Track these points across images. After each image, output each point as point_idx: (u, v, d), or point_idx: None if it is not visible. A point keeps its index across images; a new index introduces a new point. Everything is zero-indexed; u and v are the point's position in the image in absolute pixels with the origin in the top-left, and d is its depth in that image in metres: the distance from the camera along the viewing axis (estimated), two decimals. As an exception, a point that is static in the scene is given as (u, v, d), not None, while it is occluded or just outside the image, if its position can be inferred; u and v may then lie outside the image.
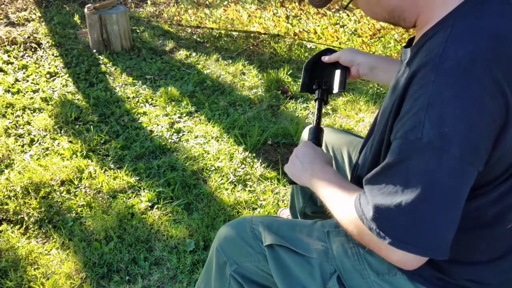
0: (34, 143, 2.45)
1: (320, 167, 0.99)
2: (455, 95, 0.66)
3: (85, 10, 3.46)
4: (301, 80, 1.35)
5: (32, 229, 1.89)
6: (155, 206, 2.00)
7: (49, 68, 3.28)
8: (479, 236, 0.82)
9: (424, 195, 0.68)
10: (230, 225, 1.13)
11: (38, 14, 4.30)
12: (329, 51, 1.36)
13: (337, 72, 1.31)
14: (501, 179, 0.76)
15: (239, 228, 1.10)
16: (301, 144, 1.09)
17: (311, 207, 1.49)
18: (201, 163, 2.29)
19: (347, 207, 0.82)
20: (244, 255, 1.06)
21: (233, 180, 2.18)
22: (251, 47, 3.71)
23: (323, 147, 1.40)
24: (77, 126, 2.58)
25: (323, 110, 1.30)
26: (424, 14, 0.78)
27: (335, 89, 1.28)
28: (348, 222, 0.82)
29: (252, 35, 3.91)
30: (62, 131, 2.55)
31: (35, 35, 3.79)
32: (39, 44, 3.66)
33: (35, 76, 3.17)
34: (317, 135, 1.18)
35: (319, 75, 1.34)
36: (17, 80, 3.11)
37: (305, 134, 1.45)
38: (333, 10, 3.91)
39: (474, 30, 0.70)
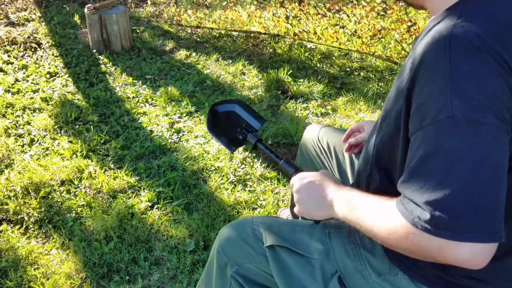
0: (34, 143, 2.45)
1: (341, 194, 0.89)
2: (474, 69, 0.66)
3: (85, 10, 3.46)
4: (223, 145, 1.29)
5: (32, 229, 1.89)
6: (155, 206, 2.00)
7: (49, 68, 3.28)
8: None
9: (475, 173, 0.63)
10: (231, 226, 1.13)
11: (38, 14, 4.30)
12: (217, 105, 1.34)
13: (241, 112, 1.31)
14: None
15: (240, 229, 1.10)
16: (297, 182, 0.99)
17: None
18: (201, 163, 2.29)
19: (388, 217, 0.74)
20: (245, 256, 1.06)
21: (233, 180, 2.18)
22: (251, 47, 3.71)
23: (325, 146, 1.40)
24: (77, 126, 2.58)
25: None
26: (433, 0, 0.80)
27: (257, 124, 1.28)
28: (394, 230, 0.72)
29: (252, 35, 3.91)
30: (62, 131, 2.54)
31: (35, 35, 3.79)
32: (39, 44, 3.65)
33: (35, 76, 3.17)
34: (292, 165, 1.12)
35: (228, 127, 1.32)
36: (17, 80, 3.10)
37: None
38: (333, 11, 3.91)
39: (482, 16, 0.71)
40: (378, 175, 0.92)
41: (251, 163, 2.30)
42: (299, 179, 0.99)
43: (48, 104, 2.80)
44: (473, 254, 0.65)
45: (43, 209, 1.97)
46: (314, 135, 1.45)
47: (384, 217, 0.75)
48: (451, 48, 0.68)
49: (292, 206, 1.68)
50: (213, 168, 2.26)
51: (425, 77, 0.70)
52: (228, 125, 1.32)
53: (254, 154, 2.36)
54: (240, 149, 2.39)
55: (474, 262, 0.66)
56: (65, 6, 4.48)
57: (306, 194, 0.96)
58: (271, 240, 1.01)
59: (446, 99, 0.66)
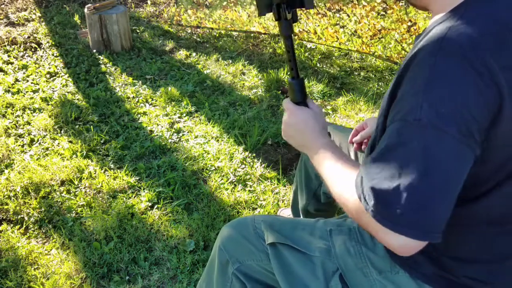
0: (34, 143, 2.45)
1: (320, 143, 0.93)
2: (453, 78, 0.67)
3: (85, 10, 3.46)
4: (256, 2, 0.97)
5: (32, 229, 1.89)
6: (155, 206, 2.00)
7: (49, 68, 3.28)
8: (484, 235, 0.82)
9: (425, 176, 0.67)
10: (233, 224, 1.13)
11: (38, 14, 4.30)
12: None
13: None
14: (500, 176, 0.75)
15: (241, 227, 1.10)
16: (290, 112, 0.99)
17: (314, 204, 1.49)
18: (201, 163, 2.29)
19: (347, 184, 0.79)
20: (247, 254, 1.06)
21: (233, 180, 2.18)
22: (251, 47, 3.71)
23: None
24: (77, 126, 2.58)
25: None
26: (437, 2, 0.80)
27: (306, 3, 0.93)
28: (347, 200, 0.79)
29: (252, 35, 3.91)
30: (62, 131, 2.54)
31: (35, 35, 3.79)
32: (39, 44, 3.66)
33: (35, 76, 3.17)
34: (302, 92, 0.99)
35: None
36: (17, 80, 3.11)
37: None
38: (333, 11, 3.91)
39: (481, 18, 0.71)
40: None
41: (251, 163, 2.30)
42: (292, 111, 0.99)
43: (48, 104, 2.80)
44: (403, 245, 0.71)
45: (43, 209, 1.97)
46: None
47: (346, 184, 0.80)
48: (438, 53, 0.69)
49: (293, 205, 1.68)
50: (213, 168, 2.26)
51: (410, 75, 0.72)
52: None
53: (254, 154, 2.36)
54: (240, 149, 2.39)
55: (403, 251, 0.73)
56: (65, 6, 4.48)
57: (294, 128, 0.99)
58: (273, 237, 1.02)
59: (418, 101, 0.68)
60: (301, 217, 1.59)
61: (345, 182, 0.81)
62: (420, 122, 0.67)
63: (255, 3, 1.02)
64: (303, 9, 0.94)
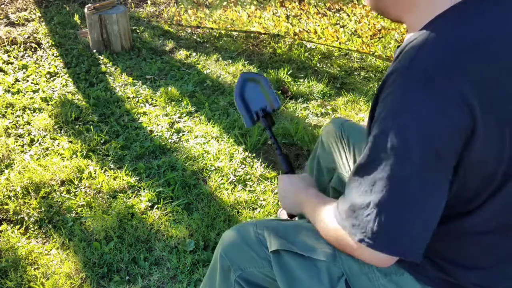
0: (34, 143, 2.45)
1: (304, 196, 1.06)
2: (420, 103, 0.68)
3: (85, 10, 3.46)
4: (244, 117, 1.37)
5: (32, 229, 1.89)
6: (155, 206, 2.00)
7: (49, 68, 3.28)
8: (483, 243, 0.82)
9: (390, 198, 0.72)
10: (234, 229, 1.12)
11: (38, 14, 4.30)
12: (246, 73, 1.39)
13: (265, 84, 1.34)
14: (487, 193, 0.76)
15: (243, 233, 1.09)
16: (281, 182, 1.18)
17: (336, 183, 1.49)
18: (201, 163, 2.29)
19: (327, 215, 0.88)
20: (249, 261, 1.05)
21: (233, 180, 2.18)
22: (251, 47, 3.71)
23: (346, 141, 1.40)
24: (77, 126, 2.58)
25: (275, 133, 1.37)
26: (410, 17, 0.79)
27: (275, 104, 1.32)
28: (328, 229, 0.88)
29: (252, 35, 3.91)
30: (62, 131, 2.55)
31: (35, 35, 3.79)
32: (39, 44, 3.66)
33: (35, 76, 3.17)
34: (287, 163, 1.25)
35: (249, 100, 1.36)
36: (17, 80, 3.11)
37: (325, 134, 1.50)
38: (333, 10, 3.91)
39: (450, 39, 0.70)
40: None
41: (251, 163, 2.30)
42: (283, 180, 1.17)
43: (48, 104, 2.80)
44: (375, 257, 0.77)
45: (43, 209, 1.97)
46: (338, 128, 1.44)
47: (325, 216, 0.89)
48: (405, 78, 0.70)
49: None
50: (213, 168, 2.26)
51: (383, 96, 0.73)
52: (250, 98, 1.37)
53: (254, 154, 2.36)
54: (240, 149, 2.39)
55: (377, 263, 0.80)
56: (65, 6, 4.48)
57: (284, 194, 1.15)
58: (276, 244, 1.00)
59: (387, 126, 0.71)
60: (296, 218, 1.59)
61: (325, 214, 0.89)
62: (386, 147, 0.71)
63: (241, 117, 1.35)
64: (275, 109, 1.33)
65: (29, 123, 2.61)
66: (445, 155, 0.69)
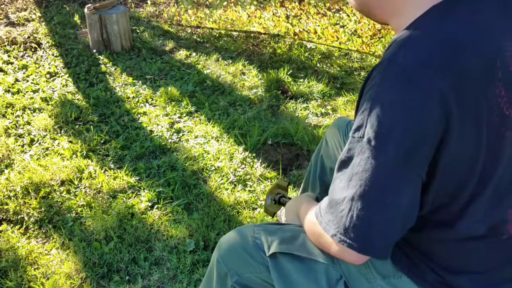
0: (34, 143, 2.45)
1: (301, 205, 1.10)
2: (396, 100, 0.69)
3: (85, 10, 3.46)
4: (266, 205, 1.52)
5: (32, 229, 1.89)
6: (155, 206, 2.00)
7: (49, 68, 3.28)
8: (474, 248, 0.82)
9: (362, 193, 0.72)
10: (231, 234, 1.11)
11: (38, 14, 4.30)
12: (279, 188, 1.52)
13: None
14: (467, 194, 0.76)
15: (240, 238, 1.08)
16: (285, 213, 1.28)
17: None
18: (201, 163, 2.29)
19: (311, 214, 0.90)
20: (245, 266, 1.04)
21: (233, 180, 2.18)
22: (251, 47, 3.71)
23: None
24: (77, 126, 2.58)
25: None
26: (396, 18, 0.79)
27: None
28: (309, 227, 0.92)
29: (252, 35, 3.91)
30: (62, 131, 2.55)
31: (35, 35, 3.79)
32: (39, 44, 3.66)
33: (35, 76, 3.17)
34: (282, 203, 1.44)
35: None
36: (17, 80, 3.11)
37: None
38: (333, 10, 3.91)
39: (431, 36, 0.70)
40: None
41: (251, 163, 2.30)
42: (289, 202, 1.28)
43: (48, 104, 2.80)
44: (345, 253, 0.78)
45: (43, 209, 1.97)
46: (342, 127, 1.44)
47: (309, 215, 0.94)
48: (385, 73, 0.71)
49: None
50: (213, 168, 2.26)
51: (365, 91, 0.74)
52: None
53: (254, 154, 2.37)
54: (240, 149, 2.39)
55: (347, 259, 0.80)
56: (65, 6, 4.48)
57: (289, 209, 1.24)
58: (274, 247, 0.99)
59: (364, 120, 0.72)
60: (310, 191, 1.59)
61: (310, 213, 0.92)
62: (362, 140, 0.72)
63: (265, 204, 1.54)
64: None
65: (29, 123, 2.61)
66: (420, 152, 0.70)
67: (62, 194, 2.06)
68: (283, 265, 0.99)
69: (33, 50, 3.56)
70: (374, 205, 0.73)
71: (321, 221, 0.81)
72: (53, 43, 3.67)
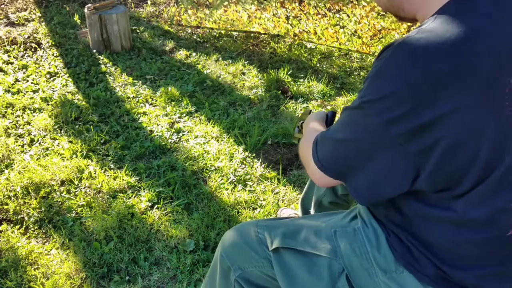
0: (34, 143, 2.45)
1: (310, 128, 1.17)
2: (396, 74, 0.73)
3: (85, 10, 3.46)
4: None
5: (32, 229, 1.89)
6: (155, 206, 2.00)
7: (49, 68, 3.28)
8: (477, 243, 0.82)
9: (344, 139, 0.85)
10: (235, 229, 1.12)
11: (38, 14, 4.30)
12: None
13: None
14: (471, 177, 0.76)
15: (243, 232, 1.09)
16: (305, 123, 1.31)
17: (330, 197, 1.49)
18: (201, 163, 2.29)
19: (311, 137, 0.99)
20: (248, 260, 1.05)
21: (233, 180, 2.18)
22: (251, 47, 3.71)
23: None
24: (77, 126, 2.58)
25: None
26: (422, 11, 0.82)
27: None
28: (303, 148, 1.02)
29: (252, 35, 3.91)
30: (62, 131, 2.54)
31: (35, 35, 3.79)
32: (39, 44, 3.66)
33: (35, 76, 3.17)
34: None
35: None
36: (17, 80, 3.10)
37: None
38: (333, 11, 3.91)
39: (448, 25, 0.72)
40: None
41: (251, 163, 2.30)
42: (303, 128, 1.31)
43: (48, 104, 2.80)
44: (316, 175, 0.92)
45: (43, 209, 1.97)
46: None
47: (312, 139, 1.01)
48: (395, 49, 0.74)
49: (304, 197, 1.68)
50: (213, 168, 2.26)
51: (376, 62, 0.80)
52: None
53: (254, 154, 2.36)
54: (240, 149, 2.39)
55: (317, 181, 0.94)
56: (65, 6, 4.48)
57: (307, 120, 1.27)
58: (277, 242, 1.00)
59: (365, 84, 0.79)
60: (312, 210, 1.59)
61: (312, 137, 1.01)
62: (360, 99, 0.80)
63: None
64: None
65: (29, 123, 2.61)
66: (405, 121, 0.73)
67: (62, 194, 2.06)
68: (286, 260, 0.99)
69: (33, 50, 3.56)
70: (351, 154, 0.84)
71: (314, 148, 0.93)
72: (53, 43, 3.67)
